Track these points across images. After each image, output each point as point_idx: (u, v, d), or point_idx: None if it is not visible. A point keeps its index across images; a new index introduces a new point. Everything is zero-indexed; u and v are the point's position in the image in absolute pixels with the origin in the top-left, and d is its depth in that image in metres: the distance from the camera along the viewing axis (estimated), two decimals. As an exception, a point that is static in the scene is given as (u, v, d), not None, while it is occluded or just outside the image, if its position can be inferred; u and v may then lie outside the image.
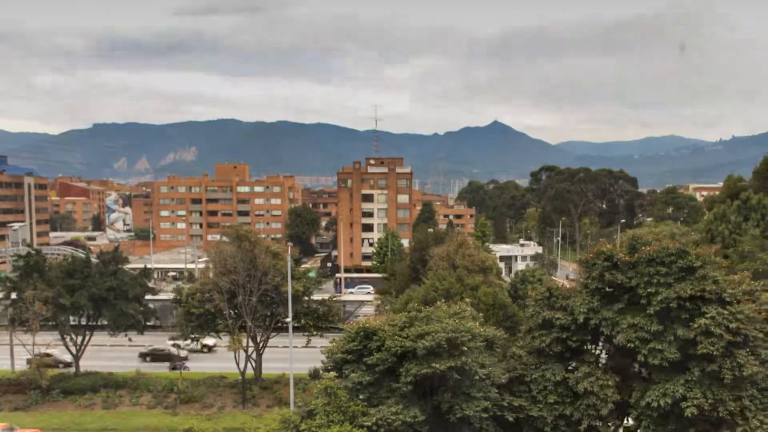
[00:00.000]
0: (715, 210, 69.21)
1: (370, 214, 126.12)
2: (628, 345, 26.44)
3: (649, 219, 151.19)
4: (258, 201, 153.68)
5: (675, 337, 25.77)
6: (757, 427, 24.54)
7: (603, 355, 30.04)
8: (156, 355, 61.10)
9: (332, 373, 28.78)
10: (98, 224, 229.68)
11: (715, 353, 24.56)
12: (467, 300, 33.59)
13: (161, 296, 66.76)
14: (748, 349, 24.90)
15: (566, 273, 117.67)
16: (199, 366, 59.20)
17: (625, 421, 29.74)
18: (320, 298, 57.55)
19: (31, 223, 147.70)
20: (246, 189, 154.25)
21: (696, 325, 25.11)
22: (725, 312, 25.02)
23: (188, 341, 55.46)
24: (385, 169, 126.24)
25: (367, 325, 28.04)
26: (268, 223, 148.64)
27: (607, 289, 28.27)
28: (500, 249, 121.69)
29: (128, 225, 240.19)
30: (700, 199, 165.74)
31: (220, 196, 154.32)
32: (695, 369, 25.44)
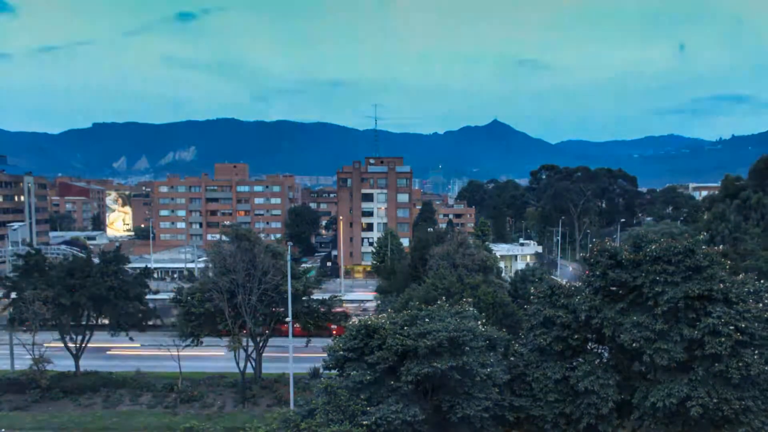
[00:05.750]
0: (714, 209, 69.14)
1: (370, 214, 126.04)
2: (633, 345, 26.30)
3: (648, 218, 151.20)
4: (258, 201, 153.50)
5: (681, 337, 25.65)
6: (759, 429, 24.48)
7: (605, 354, 29.96)
8: None
9: (334, 372, 28.71)
10: (98, 224, 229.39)
11: (722, 353, 24.45)
12: (469, 300, 33.53)
13: (161, 296, 66.73)
14: (754, 349, 24.80)
15: (566, 272, 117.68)
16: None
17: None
18: (320, 297, 57.46)
19: (30, 223, 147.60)
20: (246, 189, 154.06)
21: (703, 325, 24.98)
22: (732, 311, 24.93)
23: None
24: (384, 169, 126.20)
25: (369, 322, 27.98)
26: (268, 223, 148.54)
27: (611, 287, 28.17)
28: (500, 248, 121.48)
29: (128, 225, 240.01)
30: (700, 198, 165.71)
31: (220, 195, 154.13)
32: (699, 368, 25.34)
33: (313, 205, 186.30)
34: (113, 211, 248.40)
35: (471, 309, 30.42)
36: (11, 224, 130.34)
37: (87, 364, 55.55)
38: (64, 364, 53.94)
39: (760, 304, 25.74)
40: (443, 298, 33.89)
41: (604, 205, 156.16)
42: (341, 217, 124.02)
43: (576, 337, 28.34)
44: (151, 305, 59.37)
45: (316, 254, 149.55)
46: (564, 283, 32.56)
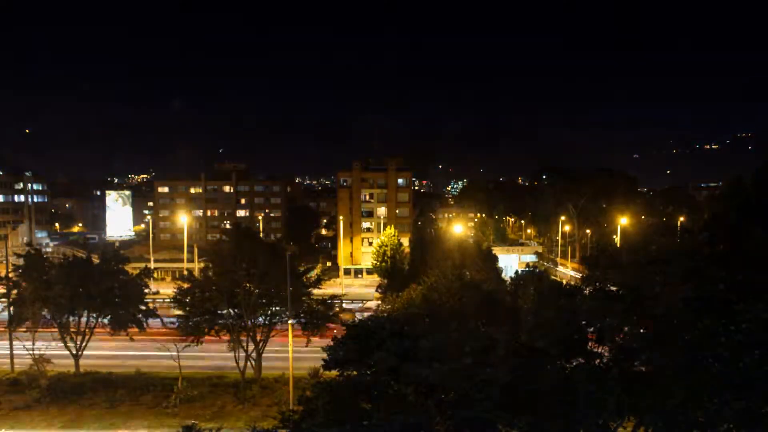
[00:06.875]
0: (715, 209, 69.08)
1: (370, 214, 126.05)
2: (633, 345, 26.30)
3: (649, 218, 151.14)
4: (258, 200, 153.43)
5: (681, 339, 25.63)
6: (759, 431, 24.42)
7: (605, 355, 29.94)
8: None
9: (334, 372, 28.71)
10: (98, 224, 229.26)
11: (722, 354, 24.42)
12: (469, 300, 33.54)
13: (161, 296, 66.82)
14: (754, 350, 24.74)
15: (566, 272, 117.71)
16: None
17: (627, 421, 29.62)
18: (320, 297, 57.48)
19: (30, 223, 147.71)
20: (246, 188, 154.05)
21: (703, 326, 24.95)
22: (732, 312, 24.88)
23: None
24: (384, 168, 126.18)
25: (369, 323, 27.99)
26: (268, 222, 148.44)
27: (611, 288, 28.17)
28: (500, 248, 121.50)
29: (128, 225, 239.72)
30: (700, 198, 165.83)
31: (220, 195, 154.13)
32: (699, 370, 25.30)
33: (312, 205, 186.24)
34: (113, 211, 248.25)
35: (470, 309, 30.41)
36: (11, 224, 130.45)
37: (87, 363, 55.62)
38: (64, 364, 54.00)
39: (760, 305, 25.68)
40: (443, 297, 33.93)
41: (604, 205, 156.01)
42: (341, 217, 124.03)
43: (576, 337, 28.32)
44: (151, 305, 59.35)
45: (316, 254, 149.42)
46: (564, 283, 32.57)
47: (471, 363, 26.20)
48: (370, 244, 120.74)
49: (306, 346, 53.39)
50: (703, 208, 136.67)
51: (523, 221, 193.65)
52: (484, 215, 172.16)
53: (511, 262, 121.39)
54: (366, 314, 63.84)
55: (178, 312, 54.02)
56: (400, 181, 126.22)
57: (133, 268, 61.53)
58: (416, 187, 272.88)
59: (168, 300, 64.51)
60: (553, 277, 77.97)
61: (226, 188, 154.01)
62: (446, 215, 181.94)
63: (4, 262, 62.91)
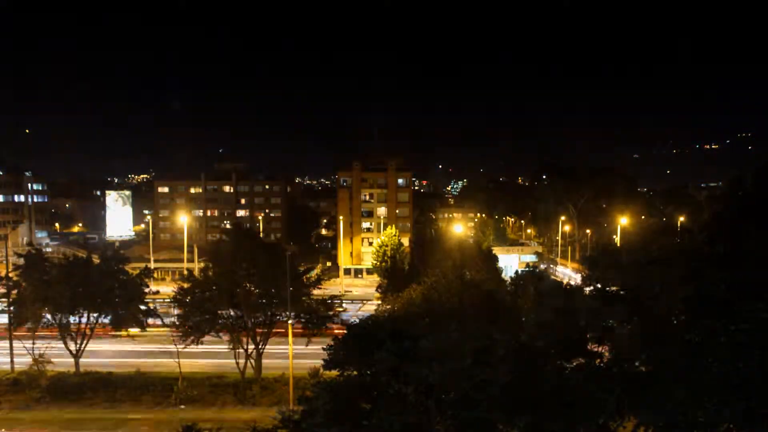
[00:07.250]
0: (714, 210, 69.03)
1: (370, 214, 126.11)
2: (632, 346, 26.32)
3: (649, 218, 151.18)
4: (258, 200, 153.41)
5: (681, 339, 25.65)
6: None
7: (605, 355, 29.94)
8: None
9: (334, 372, 28.71)
10: (98, 224, 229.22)
11: (722, 355, 24.42)
12: (468, 300, 33.56)
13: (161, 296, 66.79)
14: (754, 350, 24.74)
15: (566, 272, 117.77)
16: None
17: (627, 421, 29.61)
18: (320, 297, 57.48)
19: (30, 223, 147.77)
20: (246, 188, 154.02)
21: (702, 326, 24.96)
22: (731, 312, 24.90)
23: None
24: (384, 169, 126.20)
25: (369, 322, 28.00)
26: (268, 222, 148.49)
27: (611, 287, 28.18)
28: (500, 248, 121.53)
29: (128, 225, 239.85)
30: (700, 198, 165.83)
31: (220, 195, 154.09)
32: (699, 370, 25.30)
33: (312, 205, 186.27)
34: (113, 211, 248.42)
35: (470, 309, 30.43)
36: (11, 224, 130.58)
37: (87, 363, 55.63)
38: (64, 363, 54.02)
39: (760, 305, 25.66)
40: (443, 297, 33.95)
41: (604, 205, 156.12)
42: (341, 217, 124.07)
43: (576, 337, 28.33)
44: (151, 305, 59.39)
45: (316, 254, 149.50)
46: (564, 283, 32.58)
47: (471, 363, 26.18)
48: (371, 244, 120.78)
49: (306, 346, 53.45)
50: (703, 208, 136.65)
51: (523, 221, 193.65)
52: (484, 215, 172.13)
53: (511, 262, 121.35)
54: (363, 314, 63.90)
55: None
56: (400, 181, 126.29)
57: (133, 268, 61.55)
58: (416, 187, 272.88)
59: (168, 300, 64.54)
60: (552, 277, 77.95)
61: (226, 188, 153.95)
62: (446, 215, 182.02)
63: (5, 262, 62.94)
